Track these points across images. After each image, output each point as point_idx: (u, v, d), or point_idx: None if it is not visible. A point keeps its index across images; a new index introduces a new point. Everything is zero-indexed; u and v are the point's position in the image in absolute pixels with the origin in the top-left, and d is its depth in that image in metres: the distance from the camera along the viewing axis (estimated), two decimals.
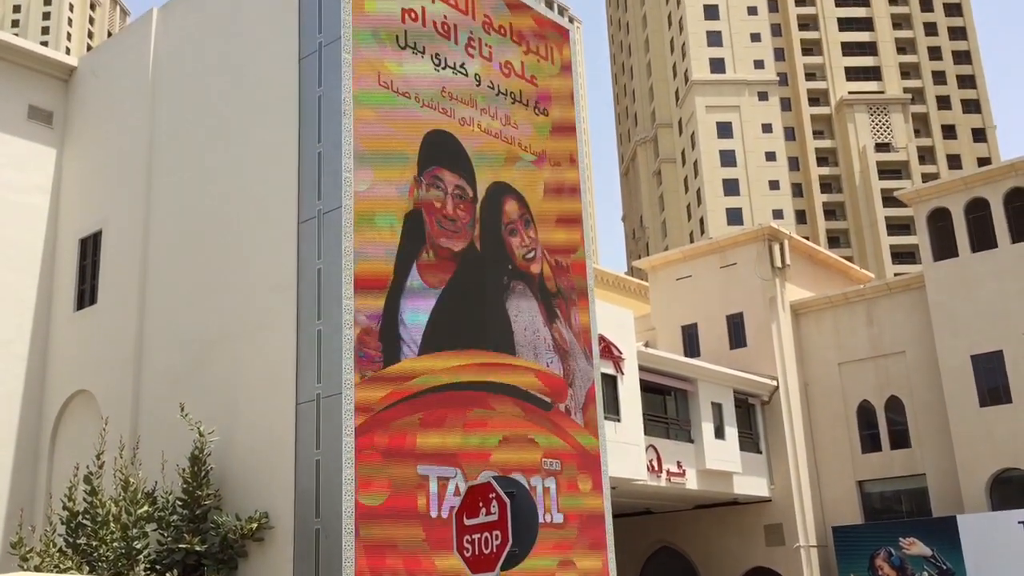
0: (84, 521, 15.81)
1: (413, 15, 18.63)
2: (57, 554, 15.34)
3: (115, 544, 15.50)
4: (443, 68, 18.91)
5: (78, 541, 15.70)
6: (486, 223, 18.93)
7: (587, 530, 19.13)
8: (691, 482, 29.01)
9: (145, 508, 15.98)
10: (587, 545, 19.02)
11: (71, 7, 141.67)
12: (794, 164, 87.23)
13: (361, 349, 15.98)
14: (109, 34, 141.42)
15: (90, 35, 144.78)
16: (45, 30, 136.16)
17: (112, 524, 15.64)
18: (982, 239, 31.46)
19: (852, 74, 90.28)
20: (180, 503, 16.21)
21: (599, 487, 19.71)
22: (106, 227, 20.72)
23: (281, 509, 15.89)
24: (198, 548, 15.64)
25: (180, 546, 15.66)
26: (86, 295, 20.77)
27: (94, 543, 15.50)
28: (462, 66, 19.34)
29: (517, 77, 20.58)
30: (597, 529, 19.39)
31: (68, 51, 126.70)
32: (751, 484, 31.48)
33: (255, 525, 15.74)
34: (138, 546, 15.62)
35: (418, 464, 16.30)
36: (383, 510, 15.63)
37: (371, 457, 15.66)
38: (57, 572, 14.91)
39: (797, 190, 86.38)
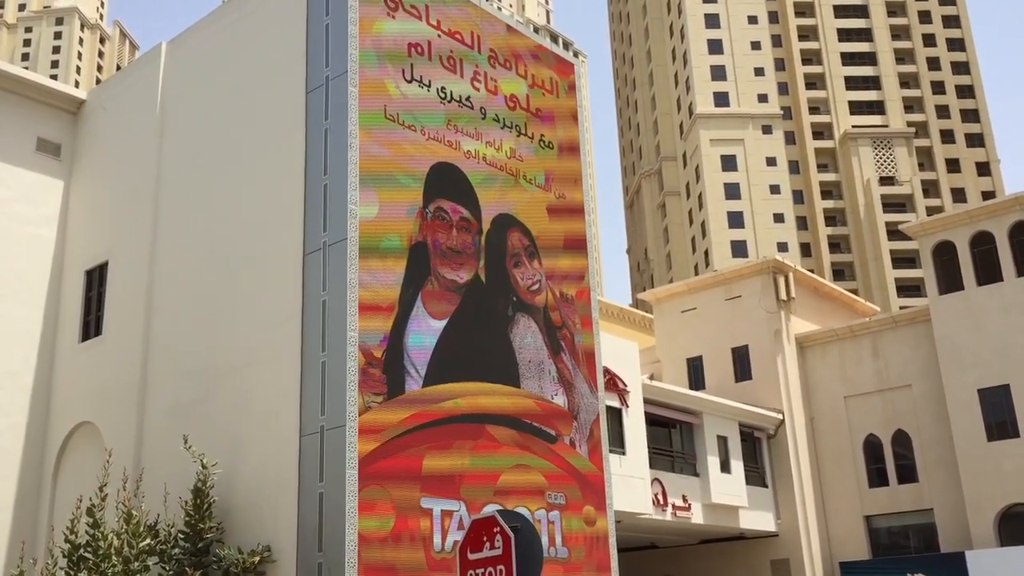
0: (86, 554, 15.71)
1: (419, 48, 18.79)
2: None
3: None
4: (449, 101, 19.04)
5: (79, 574, 15.59)
6: (491, 254, 18.97)
7: (592, 564, 18.95)
8: (697, 516, 28.78)
9: (147, 541, 15.89)
10: None
11: (81, 41, 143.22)
12: (798, 197, 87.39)
13: (365, 381, 15.95)
14: (118, 68, 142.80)
15: (99, 68, 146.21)
16: (55, 64, 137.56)
17: (114, 557, 15.54)
18: (987, 272, 31.42)
19: (856, 108, 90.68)
20: (182, 536, 16.11)
21: (604, 520, 19.56)
22: (112, 259, 20.79)
23: (284, 542, 15.79)
24: None
25: None
26: (91, 326, 20.80)
27: None
28: (467, 99, 19.47)
29: (522, 110, 20.72)
30: (602, 563, 19.22)
31: (77, 84, 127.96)
32: (757, 519, 31.23)
33: (257, 558, 15.64)
34: None
35: (422, 497, 16.21)
36: (386, 543, 15.52)
37: (375, 489, 15.57)
38: None
39: (802, 223, 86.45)
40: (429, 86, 18.72)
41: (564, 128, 21.75)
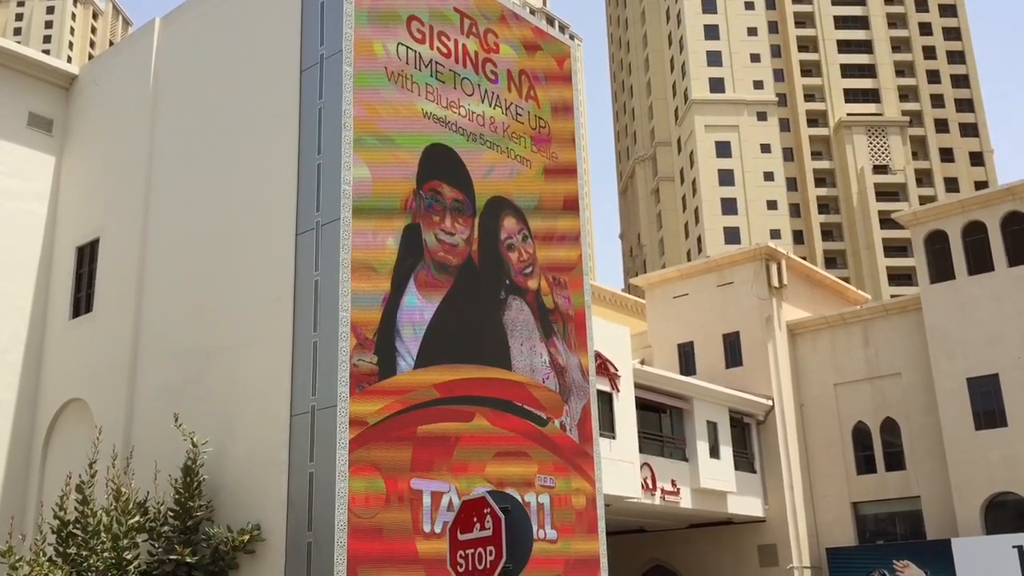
0: (75, 530, 15.70)
1: (416, 30, 18.68)
2: (47, 563, 15.24)
3: (105, 554, 15.41)
4: (444, 82, 18.95)
5: (68, 550, 15.59)
6: (484, 237, 18.94)
7: (580, 547, 19.04)
8: (685, 501, 28.92)
9: (136, 518, 15.89)
10: (580, 562, 18.93)
11: (73, 16, 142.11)
12: (792, 184, 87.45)
13: (357, 361, 15.94)
14: (111, 43, 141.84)
15: (92, 44, 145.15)
16: (47, 39, 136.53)
17: (103, 534, 15.54)
18: (979, 262, 31.52)
19: (851, 96, 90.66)
20: (172, 514, 16.11)
21: (593, 504, 19.64)
22: (104, 235, 20.69)
23: (273, 521, 15.81)
24: (189, 560, 15.54)
25: (171, 557, 15.55)
26: (82, 303, 20.72)
27: (84, 553, 15.40)
28: (463, 80, 19.39)
29: (517, 92, 20.64)
30: (590, 546, 19.30)
31: (70, 60, 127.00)
32: (745, 504, 31.39)
33: (247, 537, 15.66)
34: (128, 556, 15.53)
35: (412, 478, 16.23)
36: (376, 524, 15.55)
37: (365, 470, 15.59)
38: None
39: (795, 210, 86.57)
40: (426, 66, 18.61)
41: (560, 111, 21.68)
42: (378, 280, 16.71)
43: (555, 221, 20.80)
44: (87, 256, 20.95)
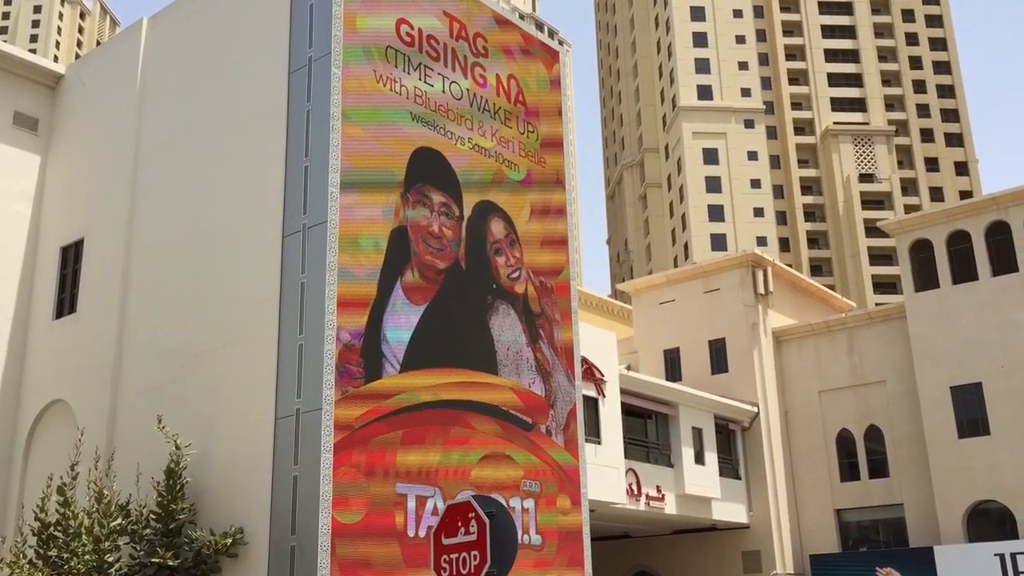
0: (56, 532, 15.58)
1: (405, 33, 18.66)
2: (27, 565, 15.11)
3: (87, 557, 15.29)
4: (433, 86, 18.93)
5: (49, 553, 15.46)
6: (471, 242, 18.91)
7: (565, 552, 19.02)
8: (670, 507, 28.95)
9: (118, 521, 15.78)
10: (565, 567, 18.91)
11: (60, 16, 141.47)
12: (779, 192, 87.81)
13: (343, 365, 15.88)
14: (98, 43, 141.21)
15: (79, 44, 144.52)
16: (34, 38, 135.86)
17: (84, 536, 15.43)
18: (963, 271, 31.70)
19: (837, 105, 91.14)
20: (154, 516, 16.00)
21: (578, 509, 19.63)
22: (88, 236, 20.57)
23: (257, 525, 15.73)
24: (171, 563, 15.43)
25: (153, 560, 15.44)
26: (66, 304, 20.58)
27: (65, 555, 15.28)
28: (452, 84, 19.38)
29: (506, 97, 20.64)
30: (575, 551, 19.28)
31: (56, 59, 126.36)
32: (730, 510, 31.44)
33: (230, 541, 15.56)
34: (110, 559, 15.42)
35: (397, 482, 16.18)
36: (360, 528, 15.48)
37: (349, 474, 15.53)
38: None
39: (781, 218, 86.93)
40: (414, 70, 18.58)
41: (548, 116, 21.68)
42: (365, 283, 16.66)
43: (542, 225, 20.80)
44: (71, 256, 20.81)
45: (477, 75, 20.06)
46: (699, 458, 30.30)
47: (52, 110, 22.29)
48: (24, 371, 20.56)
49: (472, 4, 20.42)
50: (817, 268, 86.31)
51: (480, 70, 20.16)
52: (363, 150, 17.28)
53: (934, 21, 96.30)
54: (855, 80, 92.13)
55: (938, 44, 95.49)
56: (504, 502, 17.29)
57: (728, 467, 32.03)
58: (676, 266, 78.67)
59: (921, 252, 32.69)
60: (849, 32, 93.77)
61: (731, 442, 32.66)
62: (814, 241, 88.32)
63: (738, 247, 75.84)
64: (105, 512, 15.69)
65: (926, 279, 32.32)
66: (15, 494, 19.55)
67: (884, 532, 32.58)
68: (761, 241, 79.55)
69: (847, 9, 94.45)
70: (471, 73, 19.92)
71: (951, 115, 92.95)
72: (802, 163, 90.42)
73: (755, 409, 33.04)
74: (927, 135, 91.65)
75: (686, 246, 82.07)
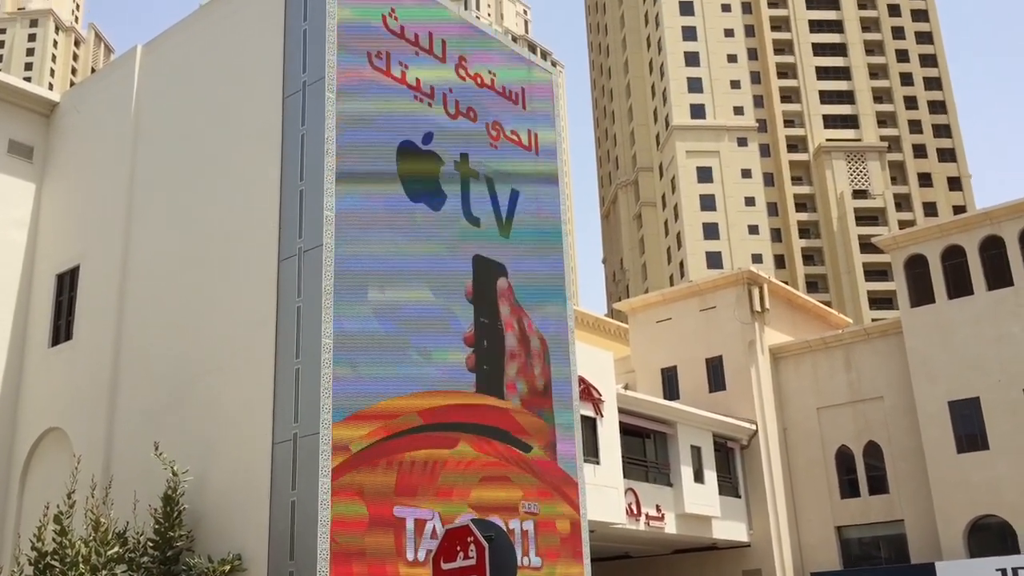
0: (53, 562, 15.46)
1: (398, 61, 18.74)
2: None
3: None
4: (428, 109, 18.99)
5: None
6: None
7: (565, 573, 18.90)
8: (670, 526, 28.83)
9: (116, 549, 15.67)
10: None
11: (55, 43, 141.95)
12: (773, 209, 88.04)
13: (339, 388, 15.84)
14: (93, 71, 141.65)
15: (73, 71, 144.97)
16: (28, 66, 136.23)
17: (81, 565, 15.31)
18: (958, 286, 31.75)
19: (830, 122, 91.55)
20: (151, 544, 15.90)
21: (577, 530, 19.54)
22: (84, 263, 20.55)
23: (255, 551, 15.63)
24: None
25: None
26: (61, 331, 20.54)
27: None
28: (446, 109, 19.44)
29: (499, 122, 20.70)
30: (575, 573, 19.17)
31: (51, 87, 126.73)
32: (730, 529, 31.32)
33: (228, 567, 15.46)
34: None
35: (395, 505, 16.11)
36: (359, 552, 15.40)
37: (347, 498, 15.46)
38: None
39: (776, 235, 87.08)
40: (408, 96, 18.66)
41: (542, 139, 21.78)
42: (361, 306, 16.65)
43: (538, 246, 20.83)
44: (67, 284, 20.79)
45: (471, 97, 20.12)
46: (698, 477, 30.22)
47: (47, 138, 22.33)
48: (20, 399, 20.48)
49: (466, 34, 20.54)
50: (813, 285, 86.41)
51: (473, 92, 20.23)
52: (357, 173, 17.30)
53: (924, 37, 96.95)
54: (847, 97, 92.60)
55: (928, 60, 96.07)
56: (503, 524, 17.23)
57: (727, 485, 31.93)
58: (672, 285, 78.75)
59: (916, 267, 32.76)
60: (840, 50, 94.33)
61: (730, 460, 32.58)
62: (809, 258, 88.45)
63: (733, 265, 75.95)
64: (102, 540, 15.58)
65: (921, 294, 32.37)
66: (11, 523, 19.43)
67: (885, 548, 32.45)
68: (756, 258, 79.68)
69: (838, 27, 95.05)
70: (464, 97, 19.99)
71: (943, 130, 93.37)
72: (796, 180, 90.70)
73: (753, 427, 32.98)
74: (919, 151, 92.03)
75: (682, 264, 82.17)
